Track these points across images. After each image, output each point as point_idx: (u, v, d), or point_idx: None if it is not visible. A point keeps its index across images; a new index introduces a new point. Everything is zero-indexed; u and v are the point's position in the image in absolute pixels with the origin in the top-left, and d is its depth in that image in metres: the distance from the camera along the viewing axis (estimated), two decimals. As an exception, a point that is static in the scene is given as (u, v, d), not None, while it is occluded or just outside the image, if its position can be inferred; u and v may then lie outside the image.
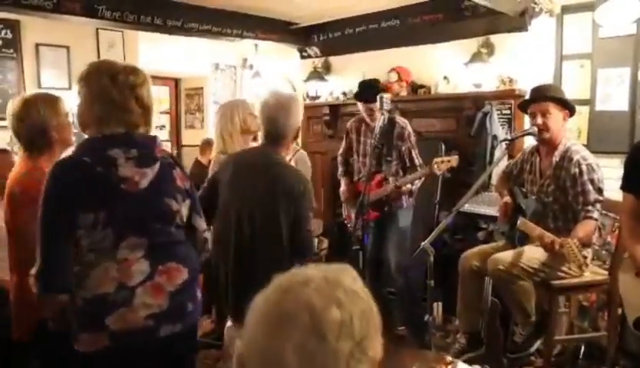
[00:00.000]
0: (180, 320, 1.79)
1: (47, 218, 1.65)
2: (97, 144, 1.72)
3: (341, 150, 4.07)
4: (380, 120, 3.50)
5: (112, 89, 1.72)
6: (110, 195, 1.68)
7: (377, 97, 3.40)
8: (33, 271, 1.64)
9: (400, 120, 3.72)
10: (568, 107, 2.94)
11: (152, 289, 1.72)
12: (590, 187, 2.80)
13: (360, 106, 3.76)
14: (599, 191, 2.81)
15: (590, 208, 2.79)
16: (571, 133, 3.41)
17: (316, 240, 5.47)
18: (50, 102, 2.27)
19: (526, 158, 3.17)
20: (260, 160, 2.43)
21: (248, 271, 2.28)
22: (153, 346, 1.74)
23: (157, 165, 1.77)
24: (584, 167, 2.81)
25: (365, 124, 3.82)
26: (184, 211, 1.87)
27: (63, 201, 1.64)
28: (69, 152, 1.74)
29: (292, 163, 3.81)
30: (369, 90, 3.67)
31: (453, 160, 3.41)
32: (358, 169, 3.88)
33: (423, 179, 3.70)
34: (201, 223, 1.97)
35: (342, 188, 4.02)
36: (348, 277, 0.92)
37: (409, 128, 3.72)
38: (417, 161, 3.71)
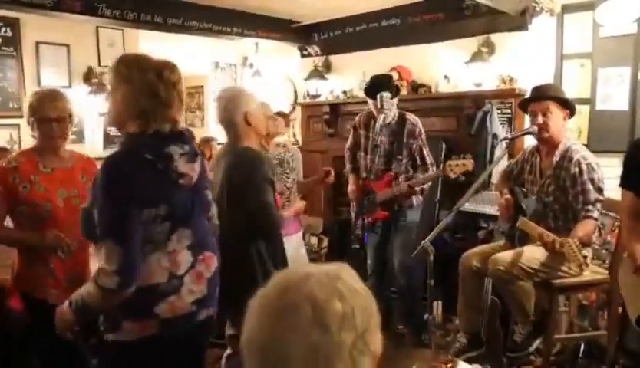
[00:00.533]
0: (213, 304, 1.92)
1: (123, 213, 1.66)
2: (154, 141, 1.74)
3: (347, 144, 3.92)
4: (380, 119, 3.51)
5: (158, 85, 1.74)
6: (170, 190, 1.75)
7: (377, 96, 3.40)
8: (108, 267, 1.62)
9: (411, 117, 3.63)
10: (568, 107, 2.94)
11: (195, 277, 1.82)
12: (590, 186, 2.80)
13: (370, 101, 3.64)
14: (599, 190, 2.81)
15: (590, 207, 2.79)
16: (571, 132, 3.40)
17: (316, 238, 5.48)
18: (33, 102, 2.36)
19: (527, 158, 3.17)
20: (225, 152, 2.59)
21: (224, 265, 2.31)
22: (191, 329, 1.83)
23: (199, 160, 1.86)
24: (584, 166, 2.81)
25: (374, 119, 3.68)
26: (212, 199, 2.01)
27: (130, 197, 1.67)
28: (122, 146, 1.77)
29: (289, 156, 3.82)
30: (381, 85, 3.55)
31: (469, 164, 3.31)
32: (365, 166, 3.75)
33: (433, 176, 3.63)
34: (214, 210, 2.06)
35: (350, 186, 3.89)
36: (347, 274, 0.93)
37: (420, 125, 3.61)
38: (428, 159, 3.62)
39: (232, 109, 2.53)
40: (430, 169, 3.59)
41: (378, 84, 3.56)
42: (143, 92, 1.73)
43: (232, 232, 2.37)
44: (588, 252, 2.95)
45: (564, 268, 2.82)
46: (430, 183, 3.67)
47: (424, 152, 3.60)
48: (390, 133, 3.62)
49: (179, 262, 1.78)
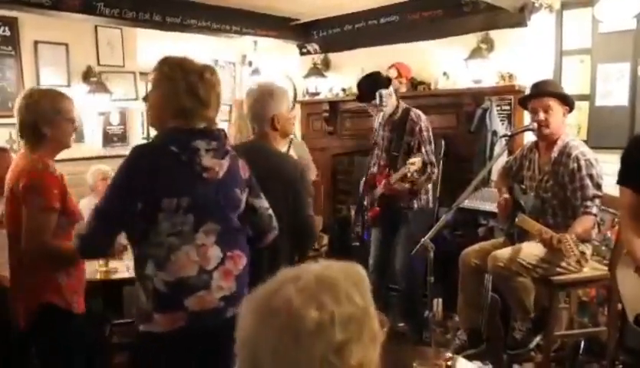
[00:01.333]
0: (240, 303, 1.85)
1: (117, 195, 1.79)
2: (182, 135, 1.84)
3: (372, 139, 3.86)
4: (379, 117, 3.50)
5: (200, 86, 1.84)
6: (194, 183, 1.81)
7: (377, 94, 3.39)
8: (79, 229, 1.84)
9: (414, 114, 3.58)
10: (568, 102, 2.94)
11: (224, 273, 1.87)
12: (589, 182, 2.79)
13: (365, 105, 3.63)
14: (598, 186, 2.81)
15: (589, 203, 2.79)
16: (570, 128, 3.39)
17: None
18: (50, 98, 2.27)
19: (525, 154, 3.17)
20: (253, 152, 2.44)
21: (255, 264, 2.29)
22: (219, 326, 1.84)
23: (228, 158, 1.92)
24: (582, 162, 2.81)
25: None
26: (244, 199, 2.01)
27: (145, 184, 1.76)
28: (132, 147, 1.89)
29: (291, 151, 3.81)
30: (368, 88, 3.53)
31: (417, 161, 3.30)
32: (375, 162, 3.74)
33: (431, 176, 3.58)
34: (263, 202, 2.08)
35: (363, 179, 3.81)
36: (348, 278, 0.89)
37: (422, 122, 3.55)
38: (428, 158, 3.52)
39: (259, 110, 2.46)
40: (429, 170, 3.52)
41: (370, 86, 3.51)
42: (187, 92, 1.83)
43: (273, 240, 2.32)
44: (587, 248, 2.96)
45: (563, 264, 2.83)
46: (426, 184, 3.60)
47: (423, 150, 3.52)
48: (392, 129, 3.62)
49: (208, 257, 1.83)
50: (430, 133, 3.60)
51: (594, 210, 2.80)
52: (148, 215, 1.77)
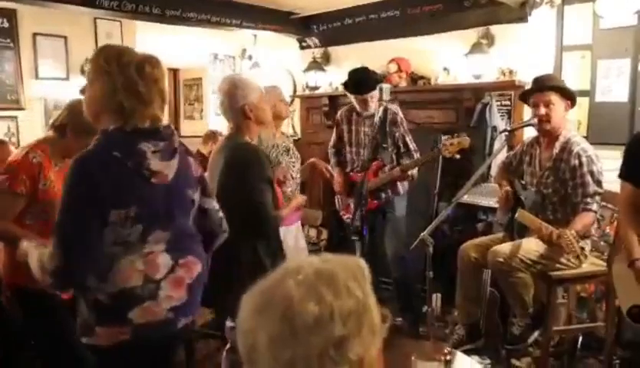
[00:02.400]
0: (193, 312, 1.83)
1: (73, 215, 1.59)
2: (125, 138, 1.65)
3: (331, 142, 4.00)
4: (380, 111, 3.49)
5: (139, 81, 1.66)
6: (141, 190, 1.65)
7: (378, 88, 3.38)
8: (48, 266, 1.58)
9: (392, 107, 3.68)
10: (570, 97, 2.93)
11: (174, 282, 1.72)
12: (590, 179, 2.79)
13: (352, 97, 3.68)
14: (599, 183, 2.81)
15: (589, 200, 2.79)
16: (570, 124, 3.39)
17: (315, 230, 5.48)
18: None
19: (526, 149, 3.16)
20: (225, 145, 2.56)
21: (223, 260, 2.30)
22: (169, 337, 1.76)
23: (177, 157, 1.75)
24: (584, 159, 2.81)
25: (356, 113, 3.77)
26: (197, 199, 1.87)
27: (93, 197, 1.58)
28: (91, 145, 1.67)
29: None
30: (363, 82, 3.58)
31: (464, 141, 3.34)
32: (351, 160, 3.82)
33: (419, 163, 3.66)
34: (213, 203, 1.97)
35: (335, 179, 3.92)
36: (349, 272, 0.89)
37: (400, 114, 3.70)
38: (412, 146, 3.69)
39: (229, 101, 2.50)
40: (415, 155, 3.64)
41: (362, 80, 3.59)
42: (124, 88, 1.64)
43: (231, 230, 2.36)
44: (586, 244, 2.96)
45: (562, 260, 2.83)
46: (417, 168, 3.67)
47: (407, 139, 3.68)
48: (372, 124, 3.60)
49: (157, 265, 1.69)
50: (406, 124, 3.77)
51: (594, 207, 2.80)
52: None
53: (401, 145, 3.66)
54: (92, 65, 1.70)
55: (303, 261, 0.91)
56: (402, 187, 3.75)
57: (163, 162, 1.69)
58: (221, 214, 2.00)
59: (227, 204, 2.39)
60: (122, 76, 1.64)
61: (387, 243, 3.68)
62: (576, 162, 2.82)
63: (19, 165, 2.20)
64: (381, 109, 3.56)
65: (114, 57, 1.67)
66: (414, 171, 3.65)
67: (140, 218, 1.64)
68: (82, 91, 1.76)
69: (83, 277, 1.61)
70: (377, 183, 3.62)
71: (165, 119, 1.80)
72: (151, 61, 1.71)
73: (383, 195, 3.69)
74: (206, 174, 2.83)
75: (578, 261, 2.83)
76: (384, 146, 3.62)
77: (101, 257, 1.62)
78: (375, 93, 3.44)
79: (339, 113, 3.94)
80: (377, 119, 3.49)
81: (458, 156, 3.41)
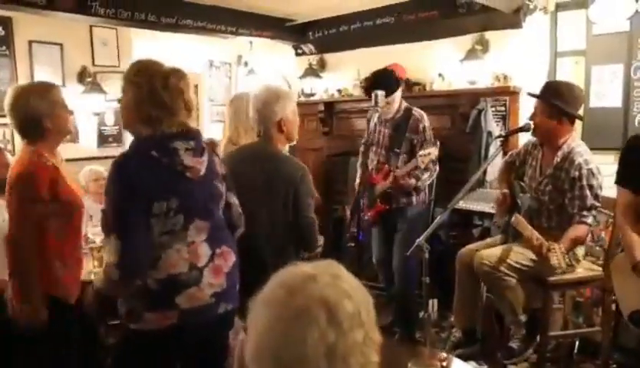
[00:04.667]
0: (232, 299, 1.96)
1: (124, 212, 1.76)
2: (159, 139, 1.83)
3: (363, 139, 3.89)
4: (375, 117, 3.50)
5: (163, 93, 1.82)
6: (178, 183, 1.82)
7: (372, 94, 3.39)
8: (111, 260, 1.74)
9: (417, 113, 3.60)
10: (565, 114, 2.86)
11: (214, 270, 1.88)
12: (588, 193, 2.78)
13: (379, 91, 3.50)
14: (596, 197, 2.79)
15: (585, 213, 2.78)
16: (575, 133, 3.29)
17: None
18: (40, 91, 2.29)
19: (530, 150, 3.12)
20: (258, 154, 2.50)
21: (256, 267, 2.30)
22: (211, 322, 1.89)
23: (206, 154, 1.92)
24: (584, 171, 2.78)
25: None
26: (225, 193, 2.03)
27: (137, 194, 1.75)
28: (127, 147, 1.87)
29: None
30: (377, 83, 3.50)
31: (433, 151, 3.35)
32: (372, 160, 3.75)
33: (433, 175, 3.60)
34: (234, 198, 2.11)
35: (357, 179, 3.86)
36: (344, 271, 0.95)
37: (426, 122, 3.58)
38: None
39: (266, 113, 2.46)
40: (432, 167, 3.53)
41: (375, 82, 3.54)
42: (150, 99, 1.82)
43: (275, 241, 2.38)
44: (580, 249, 2.96)
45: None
46: (427, 181, 3.61)
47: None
48: (393, 127, 3.62)
49: (199, 254, 1.85)
50: (432, 133, 3.63)
51: (589, 220, 2.80)
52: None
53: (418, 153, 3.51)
54: (125, 77, 1.88)
55: (301, 269, 0.93)
56: (416, 198, 3.64)
57: (195, 158, 1.86)
58: (240, 208, 2.12)
59: (275, 214, 2.39)
60: (148, 88, 1.82)
61: (395, 250, 3.62)
62: (576, 174, 2.79)
63: (39, 170, 2.19)
64: (403, 111, 3.60)
65: (144, 69, 1.86)
66: (419, 182, 3.53)
67: (181, 209, 1.81)
68: (119, 100, 1.95)
69: (145, 264, 1.78)
70: (382, 188, 3.59)
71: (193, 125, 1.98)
72: (177, 74, 1.88)
73: (393, 202, 3.61)
74: None
75: (570, 268, 2.84)
76: (396, 150, 3.57)
77: (151, 246, 1.79)
78: (395, 96, 3.48)
79: (372, 116, 3.78)
80: (373, 122, 3.51)
81: (432, 166, 3.44)
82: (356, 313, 0.89)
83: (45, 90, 2.30)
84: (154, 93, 1.81)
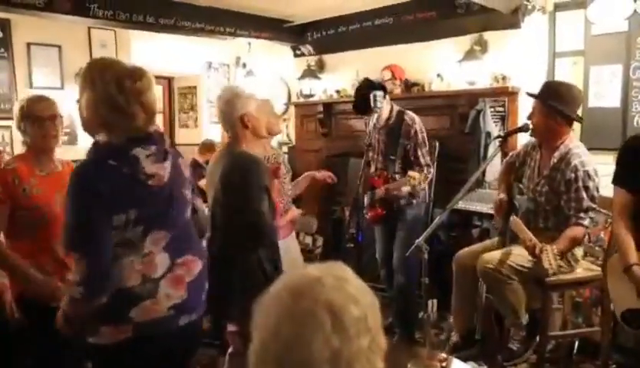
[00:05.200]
0: (196, 310, 1.86)
1: (87, 226, 1.64)
2: (118, 146, 1.71)
3: (365, 140, 3.79)
4: (373, 118, 3.50)
5: (118, 96, 1.69)
6: (139, 194, 1.71)
7: (370, 95, 3.39)
8: (74, 278, 1.65)
9: (408, 117, 3.59)
10: (562, 115, 2.85)
11: (173, 280, 1.77)
12: (584, 194, 2.77)
13: (378, 92, 3.51)
14: (592, 199, 2.79)
15: (582, 215, 2.78)
16: (573, 133, 3.27)
17: (311, 238, 5.47)
18: (20, 107, 2.34)
19: (529, 151, 3.12)
20: (222, 154, 2.60)
21: (223, 265, 2.35)
22: (171, 335, 1.79)
23: (169, 159, 1.81)
24: (580, 173, 2.77)
25: (377, 121, 3.67)
26: (190, 199, 1.93)
27: (99, 206, 1.64)
28: (89, 155, 1.73)
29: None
30: (362, 101, 3.50)
31: (417, 177, 3.36)
32: (373, 163, 3.78)
33: (428, 177, 3.60)
34: (200, 204, 2.04)
35: (359, 181, 3.79)
36: (350, 274, 0.93)
37: (417, 125, 3.56)
38: (423, 160, 3.55)
39: (228, 111, 2.52)
40: (425, 170, 3.54)
41: (361, 101, 3.51)
42: (104, 102, 1.69)
43: (230, 238, 2.39)
44: (578, 249, 2.96)
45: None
46: (424, 184, 3.60)
47: (419, 153, 3.54)
48: (387, 133, 3.63)
49: (155, 265, 1.74)
50: (425, 135, 3.61)
51: (585, 222, 2.80)
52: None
53: (412, 158, 3.55)
54: (80, 78, 1.76)
55: (308, 271, 0.93)
56: (416, 199, 3.64)
57: (157, 164, 1.74)
58: (206, 212, 2.09)
59: (226, 212, 2.42)
60: (102, 90, 1.69)
61: (396, 250, 3.63)
62: (572, 175, 2.79)
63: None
64: (395, 116, 3.59)
65: (99, 70, 1.72)
66: (416, 188, 3.50)
67: (140, 220, 1.70)
68: (78, 101, 1.80)
69: (111, 280, 1.67)
70: (379, 195, 3.60)
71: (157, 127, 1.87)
72: (133, 75, 1.73)
73: (394, 205, 3.62)
74: (203, 182, 2.86)
75: (569, 267, 2.84)
76: (392, 158, 3.58)
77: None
78: (378, 106, 3.42)
79: (372, 119, 3.68)
80: (371, 125, 3.50)
81: (437, 145, 3.58)
82: (362, 319, 0.87)
83: (23, 106, 2.34)
84: (109, 97, 1.68)
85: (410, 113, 3.64)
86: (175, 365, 1.91)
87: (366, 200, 3.75)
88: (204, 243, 2.10)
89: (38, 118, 2.31)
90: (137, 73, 1.75)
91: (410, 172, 3.39)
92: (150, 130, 1.78)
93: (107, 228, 1.65)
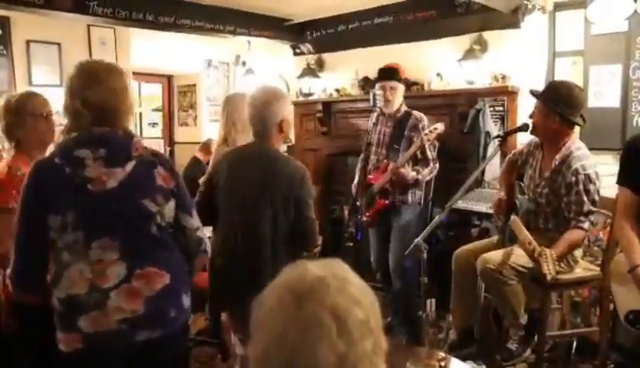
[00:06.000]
0: (160, 326, 1.75)
1: (20, 220, 1.67)
2: (67, 145, 1.70)
3: (365, 139, 3.88)
4: (373, 117, 3.50)
5: (66, 95, 1.74)
6: (76, 197, 1.66)
7: (370, 93, 3.40)
8: (8, 270, 1.69)
9: (417, 113, 3.64)
10: (562, 117, 2.83)
11: (127, 293, 1.68)
12: (585, 198, 2.75)
13: (378, 90, 3.64)
14: (593, 202, 2.77)
15: (582, 218, 2.77)
16: (575, 135, 3.25)
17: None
18: (15, 102, 2.29)
19: (531, 150, 3.11)
20: (257, 155, 2.48)
21: (256, 266, 2.33)
22: (129, 350, 1.71)
23: (131, 165, 1.72)
24: (581, 177, 2.76)
25: (382, 115, 3.73)
26: (168, 212, 1.80)
27: (35, 203, 1.66)
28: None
29: None
30: (389, 71, 3.64)
31: (440, 126, 3.41)
32: (371, 160, 3.75)
33: (433, 172, 3.61)
34: (192, 221, 1.89)
35: (354, 182, 3.87)
36: (350, 272, 0.92)
37: (425, 122, 3.60)
38: (430, 154, 3.57)
39: (267, 114, 2.43)
40: (432, 164, 3.57)
41: (390, 71, 3.64)
42: (65, 104, 1.76)
43: (272, 238, 2.35)
44: (578, 250, 2.96)
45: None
46: (427, 176, 3.62)
47: (426, 146, 3.53)
48: (394, 124, 3.64)
49: (106, 275, 1.66)
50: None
51: (585, 225, 2.79)
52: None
53: (419, 152, 3.55)
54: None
55: (307, 269, 0.91)
56: (412, 196, 3.63)
57: (103, 168, 1.68)
58: (201, 234, 1.93)
59: (277, 214, 2.35)
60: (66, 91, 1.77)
61: (392, 252, 3.61)
62: (573, 179, 2.77)
63: (5, 181, 2.17)
64: (403, 112, 3.63)
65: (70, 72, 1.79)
66: (419, 175, 3.54)
67: (79, 225, 1.65)
68: None
69: (36, 278, 1.68)
70: (380, 184, 3.59)
71: (132, 126, 1.86)
72: (78, 72, 1.78)
73: (391, 197, 3.61)
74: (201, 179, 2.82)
75: (568, 267, 2.84)
76: (396, 147, 3.58)
77: (52, 262, 1.68)
78: (397, 87, 3.54)
79: (371, 117, 3.86)
80: (370, 123, 3.51)
81: (437, 143, 3.54)
82: (366, 321, 0.86)
83: (17, 101, 2.29)
84: (66, 98, 1.75)
85: (418, 112, 3.68)
86: None
87: (362, 203, 3.75)
88: (196, 266, 1.99)
89: (38, 115, 2.29)
90: (80, 71, 1.75)
91: (433, 126, 3.45)
92: (101, 132, 1.71)
93: (39, 226, 1.65)
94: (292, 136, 6.03)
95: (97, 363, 1.69)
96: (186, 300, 1.84)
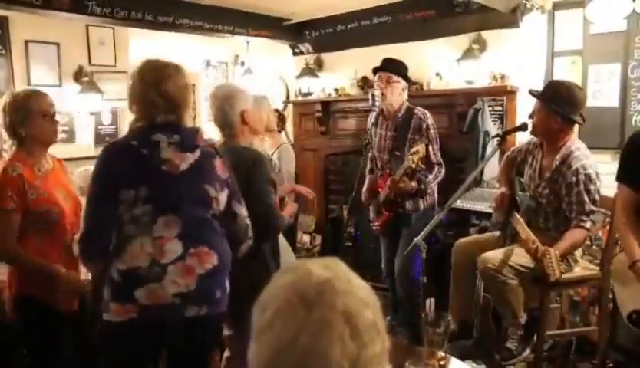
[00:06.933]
0: (207, 304, 1.88)
1: (93, 192, 1.83)
2: (144, 130, 1.89)
3: (365, 141, 3.73)
4: (372, 117, 3.49)
5: (139, 87, 1.90)
6: (151, 174, 1.84)
7: (369, 93, 3.39)
8: (76, 236, 1.89)
9: (420, 112, 3.45)
10: (562, 116, 2.83)
11: (182, 269, 1.81)
12: (586, 198, 2.76)
13: (376, 82, 3.50)
14: (594, 202, 2.78)
15: (584, 217, 2.77)
16: (575, 135, 3.24)
17: (309, 236, 5.48)
18: (18, 100, 2.27)
19: (531, 149, 3.10)
20: (227, 152, 2.48)
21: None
22: (178, 324, 1.83)
23: (198, 152, 1.91)
24: (581, 177, 2.76)
25: (382, 115, 3.59)
26: (222, 199, 1.98)
27: (108, 177, 1.83)
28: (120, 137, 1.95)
29: (276, 155, 3.81)
30: (389, 62, 3.51)
31: (421, 148, 3.16)
32: (378, 164, 3.64)
33: (438, 177, 3.46)
34: (242, 210, 2.06)
35: (364, 187, 3.72)
36: (350, 271, 0.91)
37: (429, 120, 3.42)
38: (434, 158, 3.40)
39: (227, 109, 2.50)
40: (437, 169, 3.43)
41: (392, 62, 3.53)
42: (132, 95, 1.93)
43: None
44: (578, 250, 2.96)
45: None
46: (434, 186, 3.50)
47: (430, 149, 3.37)
48: (395, 127, 3.50)
49: (165, 250, 1.80)
50: (436, 131, 3.48)
51: (587, 225, 2.78)
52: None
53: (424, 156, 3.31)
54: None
55: (313, 271, 0.88)
56: (423, 203, 3.48)
57: (176, 152, 1.87)
58: (248, 221, 2.08)
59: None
60: (131, 86, 1.95)
61: (397, 258, 3.52)
62: (573, 179, 2.77)
63: (1, 182, 2.16)
64: (404, 111, 3.47)
65: (142, 65, 1.96)
66: (422, 185, 3.37)
67: (150, 199, 1.81)
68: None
69: (100, 247, 1.83)
70: (383, 194, 3.47)
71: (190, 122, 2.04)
72: (155, 67, 1.95)
73: (399, 209, 3.46)
74: None
75: (568, 267, 2.84)
76: (397, 153, 3.42)
77: (118, 233, 1.82)
78: (393, 81, 3.41)
79: (370, 117, 3.71)
80: (369, 122, 3.47)
81: (423, 166, 3.28)
82: (374, 322, 0.85)
83: (24, 98, 2.28)
84: (134, 90, 1.92)
85: (421, 108, 3.51)
86: (184, 358, 1.93)
87: (372, 213, 3.65)
88: (241, 251, 2.09)
89: (45, 113, 2.28)
90: (157, 65, 1.93)
91: (412, 149, 3.19)
92: (179, 121, 1.92)
93: (110, 200, 1.80)
94: (291, 136, 6.04)
95: (146, 335, 1.81)
96: (228, 285, 1.98)
